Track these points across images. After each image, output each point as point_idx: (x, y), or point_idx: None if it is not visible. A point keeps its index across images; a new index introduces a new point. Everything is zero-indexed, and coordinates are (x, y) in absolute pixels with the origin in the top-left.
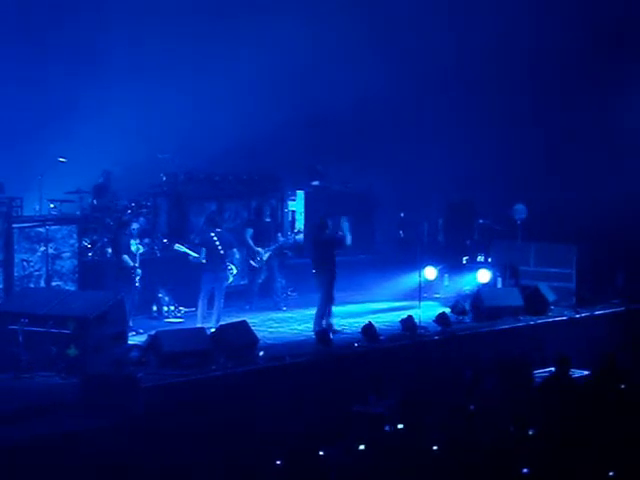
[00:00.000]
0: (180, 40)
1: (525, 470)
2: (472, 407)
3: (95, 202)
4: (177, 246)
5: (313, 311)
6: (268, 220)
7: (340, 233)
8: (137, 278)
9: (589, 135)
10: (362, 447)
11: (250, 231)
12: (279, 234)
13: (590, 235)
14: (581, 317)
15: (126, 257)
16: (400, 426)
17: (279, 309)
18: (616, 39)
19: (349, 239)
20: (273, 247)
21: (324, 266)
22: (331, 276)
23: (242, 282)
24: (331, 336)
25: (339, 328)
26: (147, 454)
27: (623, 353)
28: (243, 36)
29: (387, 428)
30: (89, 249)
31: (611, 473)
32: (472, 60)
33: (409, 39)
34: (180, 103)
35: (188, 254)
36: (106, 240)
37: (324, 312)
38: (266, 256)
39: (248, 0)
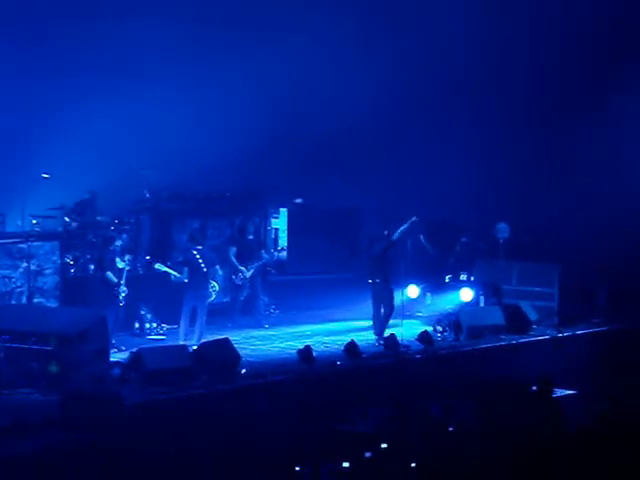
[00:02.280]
0: (164, 58)
1: None
2: (451, 428)
3: (79, 219)
4: (158, 266)
5: (295, 329)
6: (251, 237)
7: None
8: (122, 295)
9: (572, 155)
10: (346, 464)
11: (233, 249)
12: (262, 251)
13: (572, 255)
14: (563, 336)
15: (110, 274)
16: (383, 445)
17: (261, 327)
18: (607, 59)
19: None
20: (256, 265)
21: (375, 278)
22: (383, 287)
23: (224, 299)
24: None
25: (323, 346)
26: (129, 471)
27: (607, 373)
28: (228, 53)
29: (368, 450)
30: (71, 266)
31: None
32: (457, 78)
33: (395, 56)
34: (164, 120)
35: (169, 273)
36: (88, 257)
37: (387, 319)
38: (249, 274)
39: (233, 18)
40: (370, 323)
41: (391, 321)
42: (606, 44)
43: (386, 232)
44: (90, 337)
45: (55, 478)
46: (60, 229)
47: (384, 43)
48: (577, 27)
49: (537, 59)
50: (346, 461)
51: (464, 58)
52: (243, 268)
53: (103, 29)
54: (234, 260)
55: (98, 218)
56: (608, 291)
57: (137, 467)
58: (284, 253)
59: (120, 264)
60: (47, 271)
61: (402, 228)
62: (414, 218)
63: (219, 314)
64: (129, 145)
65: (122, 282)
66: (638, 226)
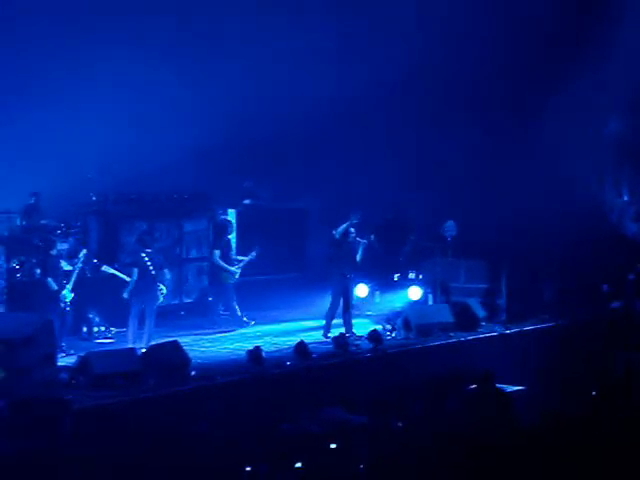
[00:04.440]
0: (106, 56)
1: None
2: (400, 424)
3: (24, 223)
4: (105, 267)
5: (245, 330)
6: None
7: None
8: (67, 299)
9: (520, 152)
10: (298, 465)
11: (218, 252)
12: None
13: (520, 251)
14: (511, 333)
15: (50, 280)
16: (333, 445)
17: (215, 326)
18: (539, 57)
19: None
20: (242, 264)
21: (329, 277)
22: (334, 286)
23: (173, 302)
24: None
25: (272, 346)
26: (76, 477)
27: (554, 369)
28: (174, 55)
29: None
30: (18, 270)
31: None
32: (401, 77)
33: (338, 56)
34: (110, 121)
35: (117, 275)
36: (34, 261)
37: (329, 318)
38: (238, 274)
39: (180, 20)
40: (319, 323)
41: (340, 320)
42: (545, 45)
43: (334, 232)
44: (37, 342)
45: None
46: (6, 233)
47: (328, 45)
48: (518, 27)
49: (482, 57)
50: (297, 462)
51: (410, 57)
52: (233, 268)
53: (48, 29)
54: (222, 263)
55: (43, 221)
56: (555, 287)
57: (85, 472)
58: (253, 253)
59: (67, 267)
60: None
61: (344, 226)
62: (354, 219)
63: (171, 316)
64: (74, 147)
65: (69, 286)
66: (586, 223)
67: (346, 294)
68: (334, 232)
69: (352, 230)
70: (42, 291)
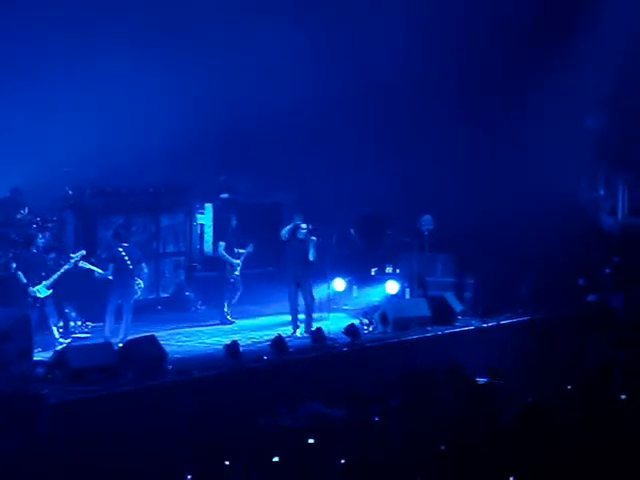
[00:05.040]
0: (84, 52)
1: None
2: (377, 419)
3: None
4: (81, 263)
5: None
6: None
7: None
8: (42, 295)
9: (497, 148)
10: (275, 459)
11: (223, 244)
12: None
13: (496, 245)
14: (488, 326)
15: (20, 274)
16: (310, 440)
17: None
18: (518, 55)
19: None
20: (243, 257)
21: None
22: (287, 285)
23: (150, 296)
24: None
25: (249, 341)
26: (53, 473)
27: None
28: (151, 50)
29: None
30: None
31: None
32: (383, 74)
33: (319, 52)
34: (85, 114)
35: (93, 270)
36: (11, 256)
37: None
38: (239, 268)
39: (156, 17)
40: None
41: (317, 314)
42: (524, 44)
43: (311, 226)
44: (13, 336)
45: None
46: None
47: (308, 40)
48: (501, 24)
49: (463, 56)
50: (274, 456)
51: (391, 54)
52: (236, 261)
53: (15, 21)
54: (227, 256)
55: (19, 216)
56: (532, 281)
57: (62, 466)
58: (251, 245)
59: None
60: None
61: (288, 228)
62: (297, 219)
63: (149, 310)
64: (49, 140)
65: (46, 282)
66: (562, 217)
67: (303, 291)
68: (281, 233)
69: (303, 227)
70: (16, 286)
